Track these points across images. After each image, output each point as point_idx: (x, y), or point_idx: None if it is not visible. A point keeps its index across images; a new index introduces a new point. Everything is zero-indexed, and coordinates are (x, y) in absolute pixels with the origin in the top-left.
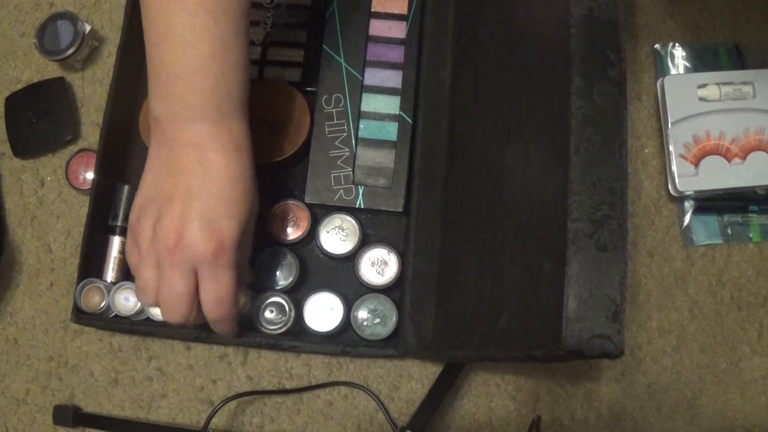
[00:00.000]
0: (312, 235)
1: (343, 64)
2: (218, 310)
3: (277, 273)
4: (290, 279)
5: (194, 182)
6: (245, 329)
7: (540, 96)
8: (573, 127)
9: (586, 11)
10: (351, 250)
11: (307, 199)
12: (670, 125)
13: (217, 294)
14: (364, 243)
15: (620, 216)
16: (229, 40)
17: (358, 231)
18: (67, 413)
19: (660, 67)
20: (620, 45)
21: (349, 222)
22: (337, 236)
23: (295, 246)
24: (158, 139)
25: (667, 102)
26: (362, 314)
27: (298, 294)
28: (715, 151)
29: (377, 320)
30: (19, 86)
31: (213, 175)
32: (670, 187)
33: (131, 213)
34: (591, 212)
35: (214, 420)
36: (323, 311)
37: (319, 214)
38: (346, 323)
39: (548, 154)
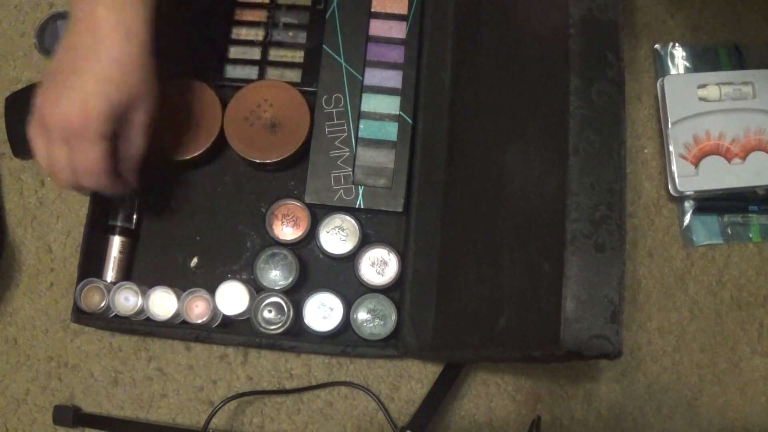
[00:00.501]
0: (312, 235)
1: (343, 64)
2: (88, 178)
3: (277, 273)
4: (290, 279)
5: (81, 60)
6: (245, 329)
7: (539, 96)
8: (571, 128)
9: (586, 12)
10: (351, 250)
11: (307, 199)
12: (670, 125)
13: (85, 164)
14: (364, 243)
15: (619, 216)
16: None
17: (358, 231)
18: (67, 413)
19: (660, 67)
20: (619, 46)
21: (349, 222)
22: (337, 236)
23: (295, 246)
24: (68, 25)
25: (667, 102)
26: (362, 315)
27: (298, 294)
28: (715, 151)
29: (377, 320)
30: (19, 86)
31: (99, 55)
32: (670, 187)
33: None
34: (589, 213)
35: (214, 420)
36: (323, 311)
37: (319, 214)
38: (346, 323)
39: (547, 155)
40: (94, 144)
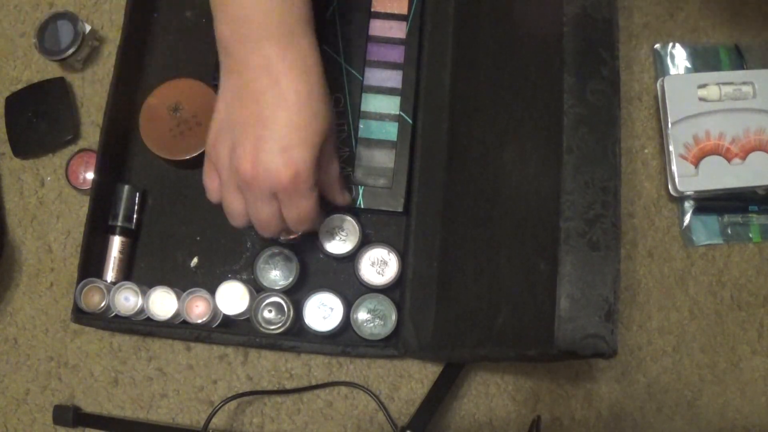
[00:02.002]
0: (312, 235)
1: (343, 64)
2: (302, 226)
3: (278, 273)
4: (290, 279)
5: (265, 109)
6: (245, 329)
7: (536, 95)
8: (566, 126)
9: (580, 10)
10: (351, 250)
11: None
12: (670, 125)
13: (299, 216)
14: (364, 243)
15: (613, 215)
16: None
17: (358, 231)
18: (67, 413)
19: (660, 67)
20: (614, 44)
21: (349, 222)
22: (337, 236)
23: (295, 246)
24: (227, 65)
25: (667, 102)
26: (362, 315)
27: (298, 294)
28: (715, 151)
29: (377, 320)
30: (19, 86)
31: (283, 100)
32: (670, 187)
33: (207, 139)
34: (583, 211)
35: (214, 420)
36: (323, 311)
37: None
38: (346, 323)
39: (543, 154)
40: (306, 197)
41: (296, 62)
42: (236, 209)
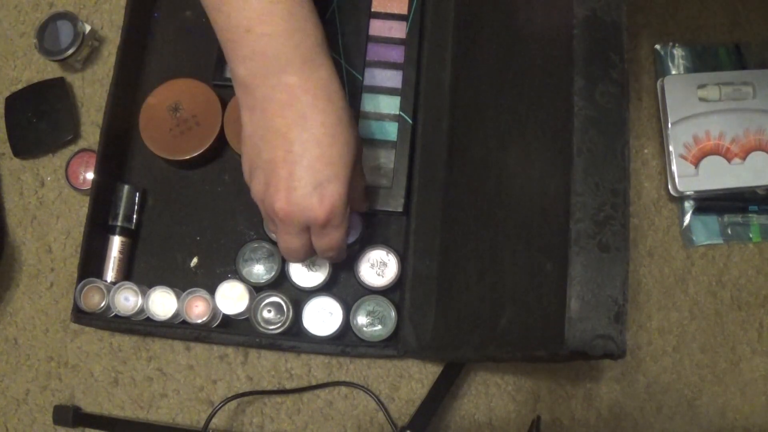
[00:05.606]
0: None
1: (343, 64)
2: (330, 254)
3: (261, 267)
4: (273, 273)
5: (294, 146)
6: (245, 329)
7: (541, 96)
8: (575, 128)
9: (590, 12)
10: (351, 243)
11: None
12: (670, 125)
13: (328, 246)
14: (365, 243)
15: (622, 217)
16: None
17: (359, 225)
18: (67, 413)
19: (660, 67)
20: (623, 46)
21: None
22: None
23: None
24: (248, 103)
25: (667, 102)
26: (361, 319)
27: (298, 294)
28: (715, 151)
29: (376, 323)
30: (19, 86)
31: (312, 135)
32: (670, 187)
33: (244, 175)
34: (593, 213)
35: (214, 420)
36: (322, 315)
37: None
38: (346, 327)
39: (549, 155)
40: (339, 228)
41: (319, 92)
42: (278, 240)
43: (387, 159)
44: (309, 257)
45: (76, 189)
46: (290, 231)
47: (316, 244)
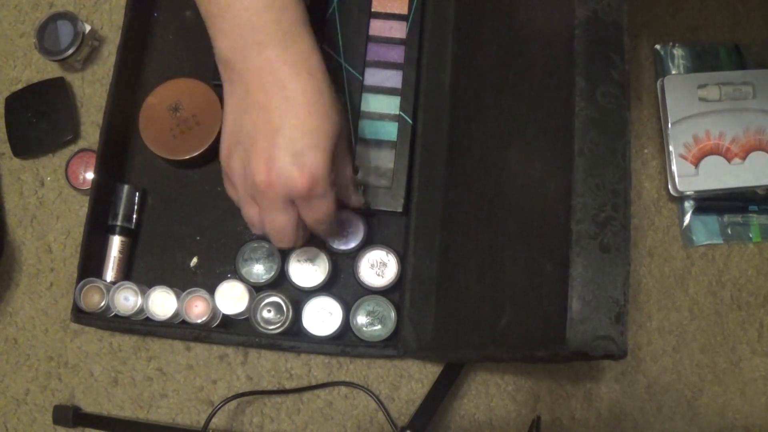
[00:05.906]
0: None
1: (343, 64)
2: (320, 227)
3: (260, 267)
4: (272, 273)
5: (273, 116)
6: (244, 329)
7: (542, 97)
8: (577, 129)
9: (591, 13)
10: (354, 247)
11: None
12: (670, 125)
13: (317, 218)
14: (365, 243)
15: (623, 217)
16: None
17: (362, 229)
18: (67, 413)
19: (660, 67)
20: (623, 47)
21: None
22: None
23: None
24: (229, 78)
25: (667, 102)
26: (361, 319)
27: (297, 294)
28: (715, 151)
29: (376, 323)
30: (19, 86)
31: (291, 104)
32: (670, 187)
33: (221, 152)
34: (594, 214)
35: (214, 420)
36: (322, 315)
37: None
38: (345, 327)
39: (550, 155)
40: (324, 198)
41: (299, 64)
42: (253, 219)
43: (387, 159)
44: (300, 240)
45: (76, 189)
46: (275, 206)
47: (304, 216)
